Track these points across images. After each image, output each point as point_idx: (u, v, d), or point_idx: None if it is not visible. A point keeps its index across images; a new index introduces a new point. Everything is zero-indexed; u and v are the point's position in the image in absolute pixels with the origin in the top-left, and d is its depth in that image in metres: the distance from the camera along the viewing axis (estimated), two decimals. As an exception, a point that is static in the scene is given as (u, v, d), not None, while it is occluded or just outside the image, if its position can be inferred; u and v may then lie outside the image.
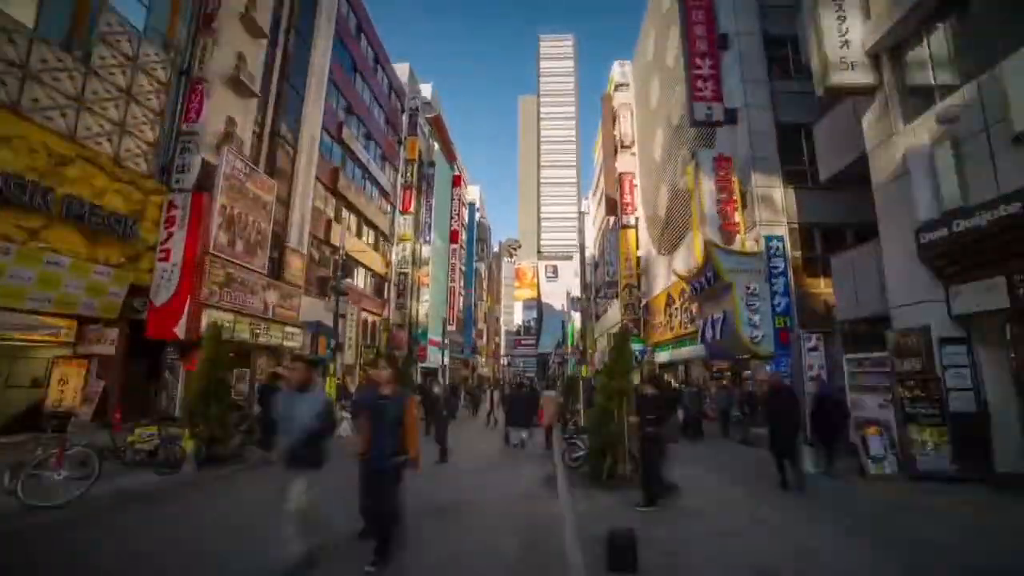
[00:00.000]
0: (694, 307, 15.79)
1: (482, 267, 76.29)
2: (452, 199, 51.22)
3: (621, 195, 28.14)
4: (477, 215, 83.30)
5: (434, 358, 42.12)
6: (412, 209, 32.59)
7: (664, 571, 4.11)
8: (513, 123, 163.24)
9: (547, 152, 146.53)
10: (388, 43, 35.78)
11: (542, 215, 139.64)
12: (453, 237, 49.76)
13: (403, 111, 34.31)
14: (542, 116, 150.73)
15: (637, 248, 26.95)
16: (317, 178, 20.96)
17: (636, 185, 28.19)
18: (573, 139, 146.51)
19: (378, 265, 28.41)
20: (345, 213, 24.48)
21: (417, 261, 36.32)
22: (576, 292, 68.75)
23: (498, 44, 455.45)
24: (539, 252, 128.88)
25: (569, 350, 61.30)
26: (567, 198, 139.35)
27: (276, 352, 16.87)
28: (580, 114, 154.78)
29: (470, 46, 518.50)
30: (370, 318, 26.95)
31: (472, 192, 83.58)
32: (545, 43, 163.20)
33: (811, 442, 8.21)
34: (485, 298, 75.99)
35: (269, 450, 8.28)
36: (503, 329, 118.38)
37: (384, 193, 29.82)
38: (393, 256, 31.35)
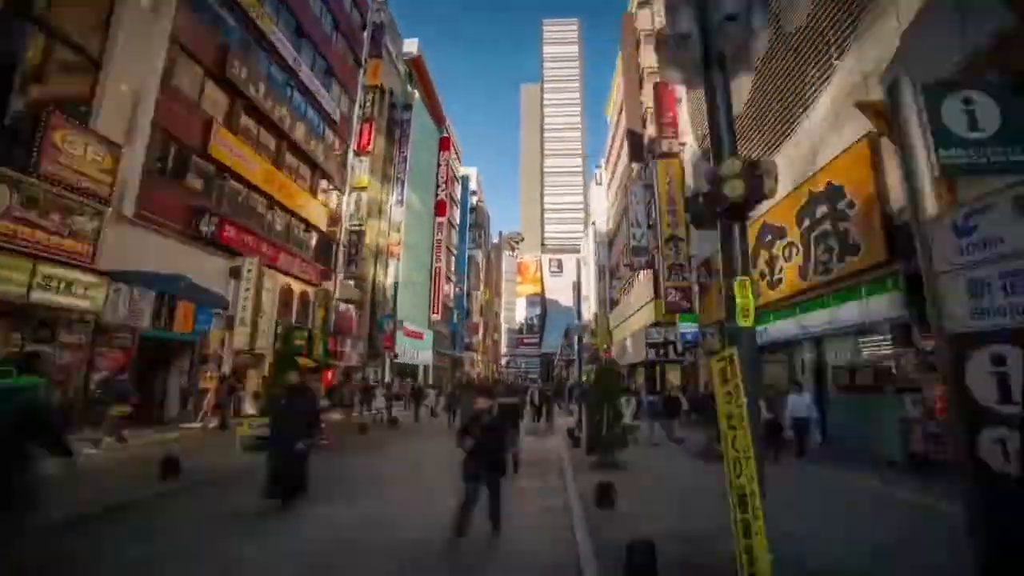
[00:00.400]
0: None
1: (479, 256, 68.30)
2: (439, 165, 43.14)
3: (660, 113, 19.91)
4: (474, 199, 75.88)
5: (412, 352, 33.98)
6: (371, 148, 24.44)
7: None
8: (514, 120, 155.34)
9: (551, 140, 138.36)
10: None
11: (546, 206, 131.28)
12: (439, 209, 41.64)
13: (364, 27, 26.24)
14: (545, 103, 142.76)
15: (683, 186, 18.66)
16: (181, 45, 12.85)
17: (679, 99, 19.94)
18: (578, 126, 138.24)
19: (316, 216, 20.24)
20: (251, 126, 16.35)
21: (384, 222, 28.20)
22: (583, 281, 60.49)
23: (499, 36, 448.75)
24: (543, 245, 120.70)
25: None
26: (572, 187, 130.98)
27: (26, 316, 8.69)
28: (586, 101, 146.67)
29: (469, 39, 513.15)
30: (298, 287, 18.78)
31: (469, 172, 75.99)
32: (549, 28, 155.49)
33: None
34: (482, 290, 67.85)
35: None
36: (504, 327, 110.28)
37: (329, 120, 21.69)
38: (344, 209, 23.22)
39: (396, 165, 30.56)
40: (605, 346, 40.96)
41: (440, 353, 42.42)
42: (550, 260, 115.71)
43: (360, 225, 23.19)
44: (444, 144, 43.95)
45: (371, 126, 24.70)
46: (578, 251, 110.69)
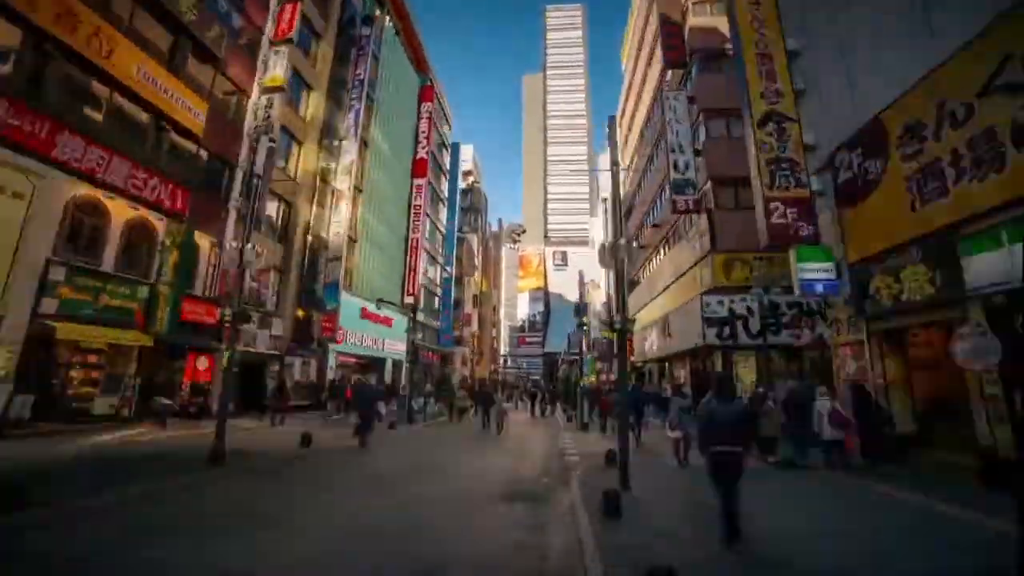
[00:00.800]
0: None
1: (475, 240, 60.69)
2: (419, 117, 35.59)
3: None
4: (470, 179, 68.86)
5: (374, 341, 26.26)
6: (294, 36, 16.78)
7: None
8: (517, 124, 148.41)
9: (554, 128, 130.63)
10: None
11: (549, 196, 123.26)
12: (418, 168, 34.02)
13: None
14: (549, 90, 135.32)
15: (781, 30, 10.84)
16: None
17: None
18: (583, 113, 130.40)
19: (181, 111, 12.57)
20: None
21: (333, 162, 20.53)
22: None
23: (501, 31, 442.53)
24: (546, 237, 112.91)
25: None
26: (576, 177, 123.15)
27: None
28: (591, 91, 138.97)
29: (471, 34, 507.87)
30: (124, 211, 11.05)
31: (465, 149, 69.01)
32: (552, 15, 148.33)
33: None
34: (478, 278, 60.12)
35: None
36: (505, 323, 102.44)
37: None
38: (250, 117, 15.59)
39: (351, 91, 22.92)
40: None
41: (421, 346, 34.63)
42: (554, 253, 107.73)
43: (270, 141, 15.48)
44: (426, 94, 36.39)
45: (296, 8, 17.06)
46: (585, 243, 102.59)
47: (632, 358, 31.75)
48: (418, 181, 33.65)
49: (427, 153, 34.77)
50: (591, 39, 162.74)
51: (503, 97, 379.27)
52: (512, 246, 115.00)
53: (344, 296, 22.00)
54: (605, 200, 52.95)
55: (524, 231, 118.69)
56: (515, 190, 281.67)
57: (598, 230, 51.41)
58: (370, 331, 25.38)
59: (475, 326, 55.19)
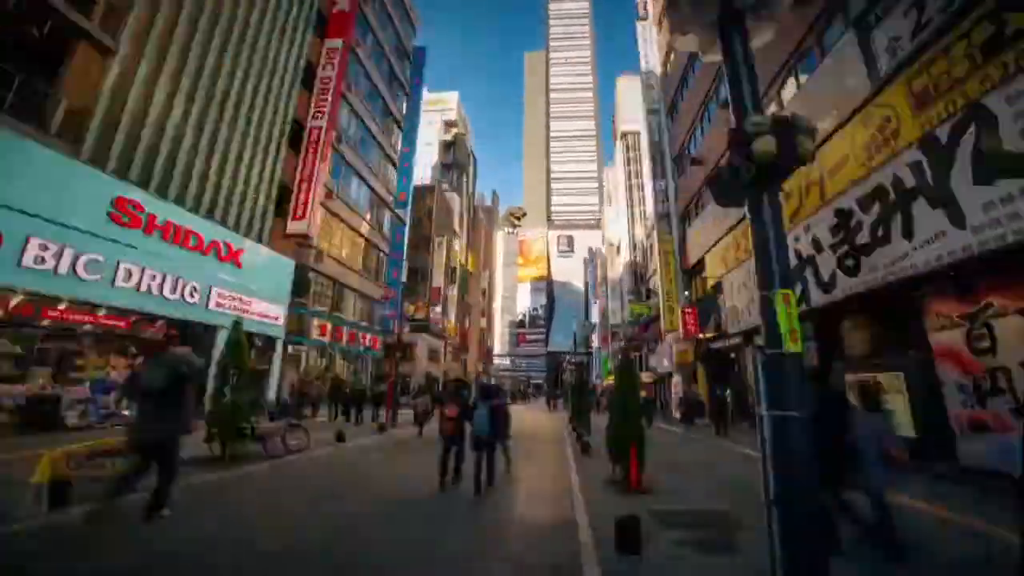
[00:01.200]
0: None
1: (457, 201, 47.08)
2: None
3: None
4: (454, 130, 55.68)
5: (191, 289, 12.60)
6: None
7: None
8: (518, 120, 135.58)
9: (558, 103, 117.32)
10: None
11: (552, 175, 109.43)
12: (334, 24, 20.50)
13: None
14: (552, 62, 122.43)
15: None
16: None
17: None
18: (590, 86, 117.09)
19: None
20: None
21: None
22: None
23: (503, 16, 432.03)
24: (549, 220, 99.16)
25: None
26: (582, 154, 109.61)
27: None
28: (597, 63, 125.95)
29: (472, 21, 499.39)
30: None
31: (450, 99, 56.14)
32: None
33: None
34: (461, 248, 46.39)
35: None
36: (505, 319, 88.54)
37: None
38: None
39: None
40: (686, 298, 19.06)
41: (348, 324, 20.83)
42: (558, 237, 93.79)
43: None
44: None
45: None
46: (592, 226, 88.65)
47: (702, 335, 18.05)
48: (332, 42, 20.09)
49: (352, 6, 21.21)
50: (596, 13, 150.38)
51: (504, 95, 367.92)
52: (511, 231, 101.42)
53: (48, 153, 8.35)
54: (625, 136, 39.19)
55: (524, 214, 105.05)
56: (516, 197, 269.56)
57: (619, 172, 37.76)
58: (167, 262, 11.69)
59: (452, 313, 41.29)
